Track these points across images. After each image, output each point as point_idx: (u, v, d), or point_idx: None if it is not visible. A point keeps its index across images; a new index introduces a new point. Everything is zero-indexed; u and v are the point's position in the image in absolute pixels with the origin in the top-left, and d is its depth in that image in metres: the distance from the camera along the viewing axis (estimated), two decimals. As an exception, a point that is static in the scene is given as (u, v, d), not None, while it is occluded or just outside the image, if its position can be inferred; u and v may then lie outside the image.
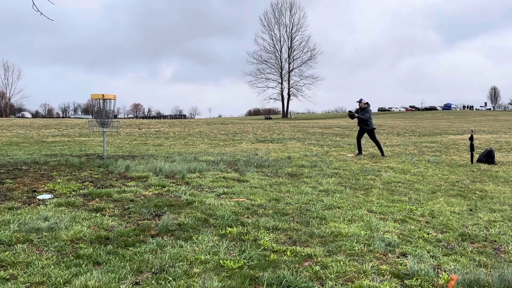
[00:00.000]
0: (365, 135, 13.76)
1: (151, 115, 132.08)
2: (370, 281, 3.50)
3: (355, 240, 4.55)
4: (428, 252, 4.29)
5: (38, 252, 3.89)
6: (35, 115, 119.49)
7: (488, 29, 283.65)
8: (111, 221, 4.91)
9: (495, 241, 4.83)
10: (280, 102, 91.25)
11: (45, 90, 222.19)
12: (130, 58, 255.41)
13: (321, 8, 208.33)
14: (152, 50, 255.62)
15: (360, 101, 13.35)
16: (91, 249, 3.97)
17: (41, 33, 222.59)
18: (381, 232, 4.88)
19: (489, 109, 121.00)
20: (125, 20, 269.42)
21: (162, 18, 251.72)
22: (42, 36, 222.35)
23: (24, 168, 8.77)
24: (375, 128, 13.49)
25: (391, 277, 3.63)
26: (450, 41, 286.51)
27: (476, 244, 4.70)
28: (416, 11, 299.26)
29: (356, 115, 13.21)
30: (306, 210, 5.81)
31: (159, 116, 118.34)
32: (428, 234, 4.98)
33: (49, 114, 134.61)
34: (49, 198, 5.97)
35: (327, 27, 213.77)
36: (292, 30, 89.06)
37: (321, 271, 3.67)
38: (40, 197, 6.04)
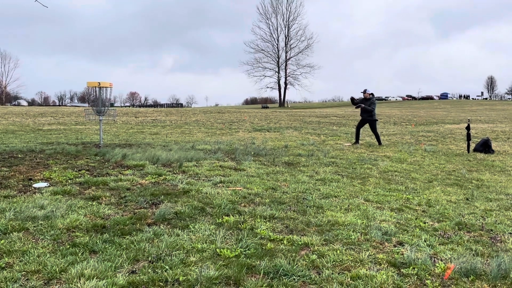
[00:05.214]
0: (365, 125, 13.73)
1: (147, 104, 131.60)
2: (366, 270, 3.50)
3: (352, 229, 4.55)
4: (425, 241, 4.29)
5: (34, 240, 3.88)
6: (31, 103, 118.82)
7: (481, 21, 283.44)
8: (108, 210, 4.89)
9: (492, 230, 4.84)
10: (277, 91, 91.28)
11: (46, 79, 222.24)
12: (132, 48, 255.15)
13: (319, 1, 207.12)
14: (154, 41, 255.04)
15: (364, 92, 13.24)
16: (87, 238, 3.96)
17: (46, 25, 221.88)
18: (378, 221, 4.88)
19: (486, 98, 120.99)
20: (130, 11, 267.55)
21: (166, 9, 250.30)
22: (47, 27, 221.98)
23: (20, 156, 8.73)
24: (377, 120, 13.44)
25: (387, 265, 3.64)
26: (444, 33, 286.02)
27: (472, 233, 4.71)
28: (411, 5, 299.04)
29: (362, 105, 13.07)
30: (303, 199, 5.81)
31: (155, 104, 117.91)
32: (425, 223, 4.99)
33: (45, 102, 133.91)
34: (45, 187, 5.94)
35: (325, 19, 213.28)
36: (289, 18, 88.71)
37: (318, 259, 3.67)
38: (36, 185, 6.02)
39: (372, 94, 13.24)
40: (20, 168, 7.29)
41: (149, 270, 3.33)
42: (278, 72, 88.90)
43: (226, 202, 5.34)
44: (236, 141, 13.43)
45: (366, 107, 13.01)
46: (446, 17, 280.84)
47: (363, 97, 13.33)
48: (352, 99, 13.63)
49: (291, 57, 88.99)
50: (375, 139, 13.76)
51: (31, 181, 6.26)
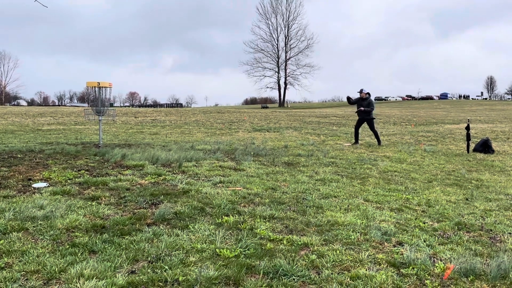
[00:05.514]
0: (363, 125, 13.72)
1: (147, 104, 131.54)
2: (366, 270, 3.50)
3: (352, 229, 4.55)
4: (424, 241, 4.29)
5: (33, 240, 3.87)
6: (31, 103, 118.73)
7: (480, 21, 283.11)
8: (107, 210, 4.89)
9: (491, 230, 4.84)
10: (277, 91, 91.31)
11: (45, 79, 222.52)
12: (132, 48, 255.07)
13: (319, 1, 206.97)
14: (154, 41, 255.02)
15: (361, 91, 13.21)
16: (86, 238, 3.96)
17: (46, 25, 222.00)
18: (378, 221, 4.88)
19: (485, 98, 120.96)
20: (130, 11, 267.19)
21: (166, 9, 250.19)
22: (47, 27, 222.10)
23: (19, 156, 8.72)
24: (374, 118, 13.43)
25: (387, 266, 3.64)
26: (444, 33, 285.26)
27: (472, 233, 4.71)
28: (411, 5, 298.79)
29: (363, 108, 13.04)
30: (303, 199, 5.81)
31: (155, 104, 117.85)
32: (424, 223, 4.99)
33: (45, 102, 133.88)
34: (45, 187, 5.94)
35: (325, 19, 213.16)
36: (288, 18, 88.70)
37: (317, 260, 3.67)
38: (35, 185, 6.01)
39: (368, 93, 13.22)
40: (19, 168, 7.28)
41: (149, 270, 3.33)
42: (278, 72, 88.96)
43: (226, 202, 5.34)
44: (235, 141, 13.43)
45: (366, 109, 13.00)
46: (445, 17, 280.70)
47: (359, 96, 13.31)
48: (349, 98, 13.61)
49: (291, 57, 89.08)
50: (375, 139, 13.75)
51: (31, 181, 6.26)
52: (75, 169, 7.34)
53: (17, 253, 3.56)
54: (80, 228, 4.24)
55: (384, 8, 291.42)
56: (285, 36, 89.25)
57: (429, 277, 3.45)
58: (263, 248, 3.89)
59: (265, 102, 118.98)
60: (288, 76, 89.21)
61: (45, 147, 10.42)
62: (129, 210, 4.94)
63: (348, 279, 3.33)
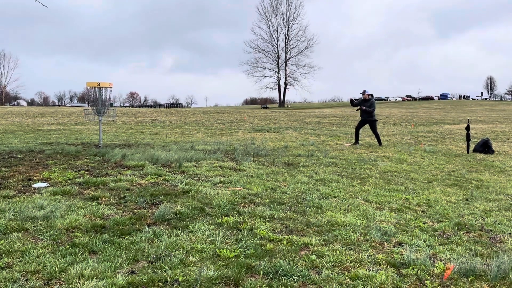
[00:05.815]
0: (365, 126, 13.73)
1: (147, 104, 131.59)
2: (366, 270, 3.50)
3: (352, 229, 4.55)
4: (424, 242, 4.30)
5: (33, 240, 3.87)
6: (31, 103, 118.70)
7: (480, 22, 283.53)
8: (107, 210, 4.89)
9: (491, 230, 4.85)
10: (277, 92, 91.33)
11: (45, 79, 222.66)
12: (132, 48, 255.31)
13: (319, 2, 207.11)
14: (154, 41, 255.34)
15: (363, 93, 13.25)
16: (86, 238, 3.96)
17: (47, 25, 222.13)
18: (377, 222, 4.89)
19: (485, 99, 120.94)
20: (130, 11, 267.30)
21: (166, 9, 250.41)
22: (47, 27, 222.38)
23: (19, 156, 8.73)
24: (377, 120, 13.44)
25: (387, 266, 3.64)
26: (444, 33, 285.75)
27: (472, 233, 4.72)
28: (411, 5, 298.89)
29: (363, 107, 13.08)
30: (303, 199, 5.81)
31: (155, 105, 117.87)
32: (424, 223, 4.99)
33: (45, 102, 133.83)
34: (45, 187, 5.94)
35: (325, 20, 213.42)
36: (289, 18, 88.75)
37: (317, 260, 3.68)
38: (35, 185, 6.01)
39: (371, 95, 13.27)
40: (19, 168, 7.28)
41: (149, 271, 3.33)
42: (278, 72, 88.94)
43: (226, 202, 5.34)
44: (235, 142, 13.43)
45: (367, 109, 13.02)
46: (445, 18, 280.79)
47: (362, 98, 13.34)
48: (352, 100, 13.66)
49: (291, 58, 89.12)
50: (375, 140, 13.76)
51: (31, 181, 6.26)
52: (75, 169, 7.34)
53: (17, 253, 3.56)
54: (80, 228, 4.24)
55: (384, 8, 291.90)
56: (285, 36, 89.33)
57: (429, 277, 3.45)
58: (263, 248, 3.89)
59: (265, 102, 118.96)
60: (288, 76, 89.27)
61: (45, 147, 10.42)
62: (129, 210, 4.94)
63: (348, 279, 3.33)
